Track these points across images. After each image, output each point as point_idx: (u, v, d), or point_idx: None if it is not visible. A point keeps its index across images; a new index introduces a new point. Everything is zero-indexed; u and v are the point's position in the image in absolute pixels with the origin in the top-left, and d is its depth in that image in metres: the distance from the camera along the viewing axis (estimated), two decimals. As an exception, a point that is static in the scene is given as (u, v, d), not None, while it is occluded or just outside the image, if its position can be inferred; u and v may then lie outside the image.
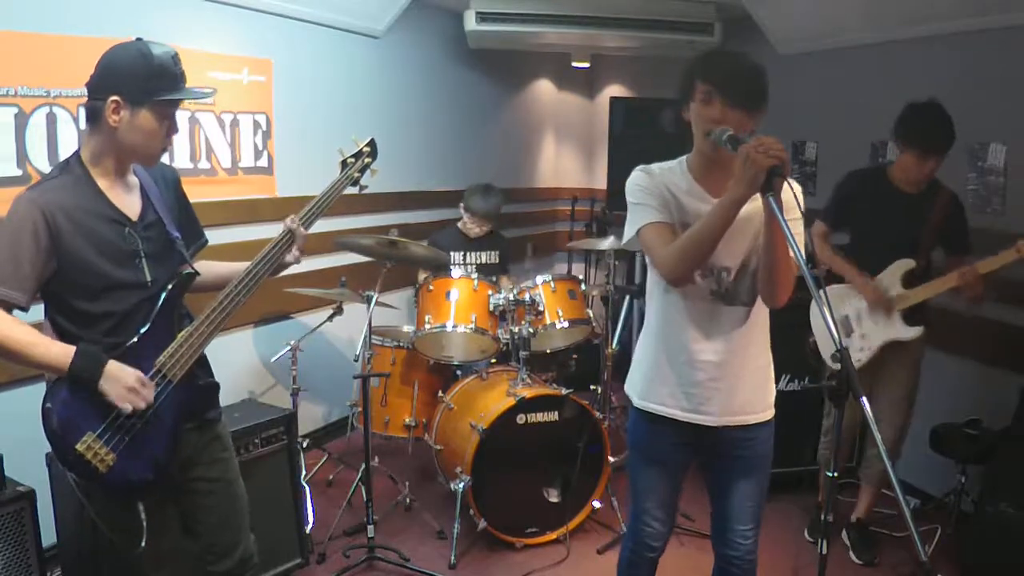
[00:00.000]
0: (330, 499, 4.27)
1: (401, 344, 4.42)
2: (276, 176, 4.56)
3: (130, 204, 2.23)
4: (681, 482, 2.57)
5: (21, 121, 3.21)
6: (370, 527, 3.61)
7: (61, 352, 2.05)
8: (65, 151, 3.35)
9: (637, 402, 2.50)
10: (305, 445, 4.11)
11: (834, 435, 2.01)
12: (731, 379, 2.37)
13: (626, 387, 2.58)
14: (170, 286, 2.22)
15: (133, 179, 2.27)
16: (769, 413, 2.47)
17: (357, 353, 3.56)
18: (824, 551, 1.98)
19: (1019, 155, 3.86)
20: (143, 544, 2.22)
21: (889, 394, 3.55)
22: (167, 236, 2.28)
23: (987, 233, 3.70)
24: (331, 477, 4.53)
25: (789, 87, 5.32)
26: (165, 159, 2.34)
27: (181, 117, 2.35)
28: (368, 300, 3.74)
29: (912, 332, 3.44)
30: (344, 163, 2.73)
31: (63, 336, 2.13)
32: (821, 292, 1.88)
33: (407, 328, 4.70)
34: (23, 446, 2.90)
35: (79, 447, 2.06)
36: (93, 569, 2.79)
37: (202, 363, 2.37)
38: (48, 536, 2.87)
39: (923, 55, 4.32)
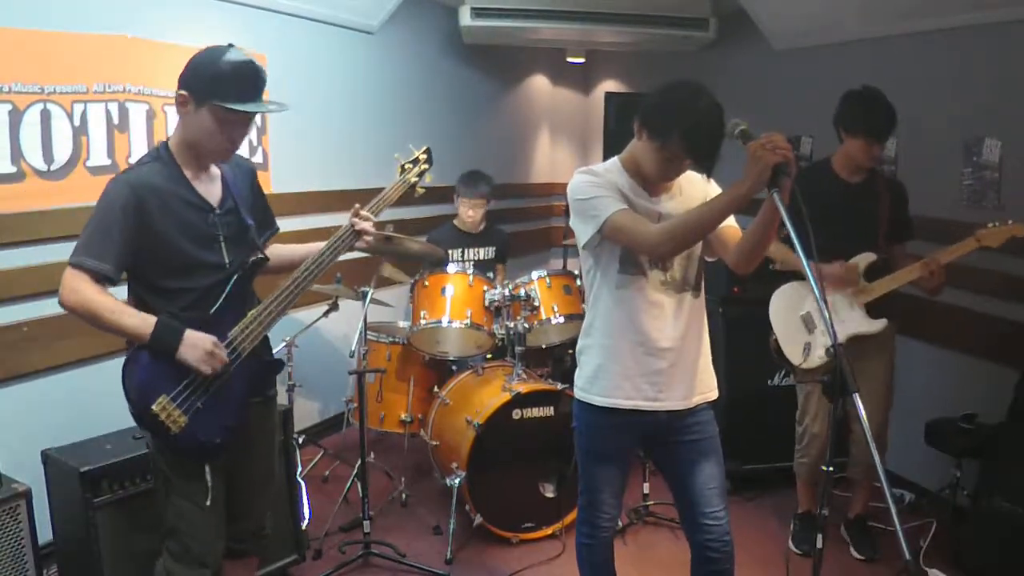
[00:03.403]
0: (326, 495, 4.28)
1: (396, 340, 4.42)
2: (271, 172, 4.55)
3: (212, 192, 2.41)
4: (629, 468, 2.70)
5: (15, 118, 3.20)
6: (366, 523, 3.61)
7: (142, 322, 2.23)
8: (59, 148, 3.35)
9: (595, 400, 2.54)
10: (301, 441, 4.11)
11: (829, 428, 2.01)
12: (689, 362, 2.51)
13: (577, 389, 2.61)
14: (243, 268, 2.39)
15: (215, 170, 2.44)
16: (716, 392, 2.62)
17: (352, 349, 3.56)
18: (820, 545, 1.99)
19: (1014, 150, 3.87)
20: (208, 502, 2.36)
21: (866, 391, 3.51)
22: (243, 222, 2.45)
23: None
24: (327, 473, 4.54)
25: (784, 82, 5.34)
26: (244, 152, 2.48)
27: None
28: (363, 296, 3.74)
29: (876, 325, 3.43)
30: (402, 168, 2.93)
31: (144, 310, 2.28)
32: (817, 289, 1.89)
33: (403, 324, 4.70)
34: (19, 444, 2.91)
35: (155, 407, 2.23)
36: (89, 566, 2.79)
37: (265, 342, 2.52)
38: (44, 534, 2.86)
39: (919, 50, 4.33)
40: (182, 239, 2.29)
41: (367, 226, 2.63)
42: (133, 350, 2.27)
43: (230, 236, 2.40)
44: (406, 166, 2.94)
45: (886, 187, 3.53)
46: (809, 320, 3.55)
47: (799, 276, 3.56)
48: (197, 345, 2.24)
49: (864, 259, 3.45)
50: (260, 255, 2.49)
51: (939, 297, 3.43)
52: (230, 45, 2.28)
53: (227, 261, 2.38)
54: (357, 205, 2.67)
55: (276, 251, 2.70)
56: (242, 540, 2.62)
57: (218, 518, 2.43)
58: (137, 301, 2.32)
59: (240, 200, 2.47)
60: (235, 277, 2.37)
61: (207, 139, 2.30)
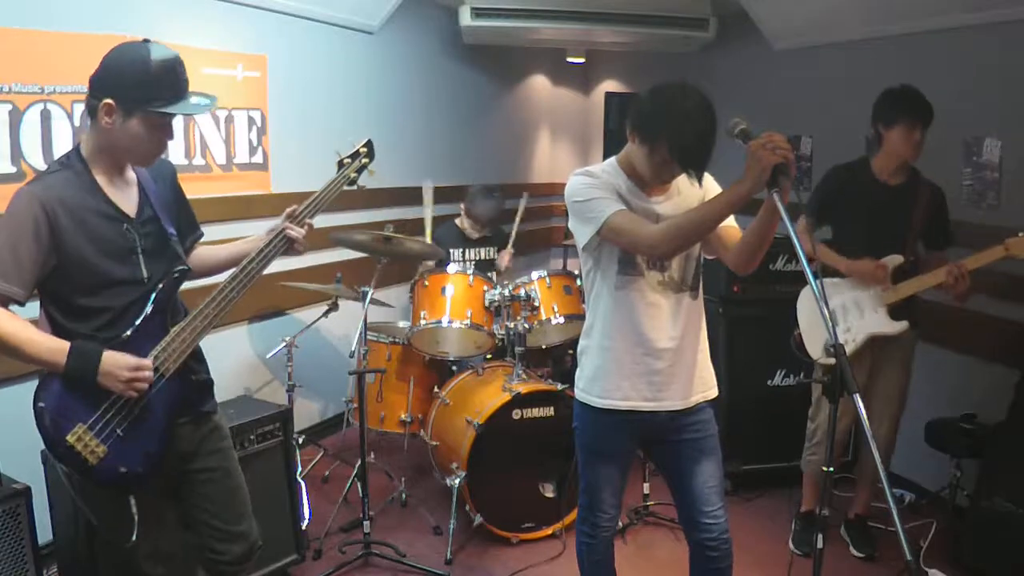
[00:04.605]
0: (326, 495, 4.27)
1: (397, 340, 4.42)
2: (271, 172, 4.55)
3: (128, 200, 2.24)
4: (629, 468, 2.70)
5: (15, 118, 3.20)
6: (366, 523, 3.61)
7: (56, 349, 2.07)
8: (60, 148, 3.34)
9: (595, 400, 2.54)
10: (301, 441, 4.11)
11: (829, 429, 2.01)
12: (687, 362, 2.51)
13: (578, 389, 2.62)
14: (163, 283, 2.23)
15: (131, 175, 2.28)
16: (716, 390, 2.63)
17: (353, 349, 3.56)
18: (820, 545, 1.99)
19: (1014, 150, 3.87)
20: (134, 538, 2.22)
21: (881, 391, 3.55)
22: (163, 233, 2.29)
23: (982, 228, 3.70)
24: (327, 473, 4.53)
25: (784, 82, 5.34)
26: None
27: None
28: (363, 296, 3.73)
29: (897, 327, 3.44)
30: (340, 163, 2.74)
31: (57, 329, 2.14)
32: (818, 284, 1.90)
33: (403, 324, 4.70)
34: (19, 443, 2.89)
35: (70, 438, 2.08)
36: (89, 567, 2.79)
37: (198, 358, 2.38)
38: (44, 534, 2.86)
39: (918, 50, 4.32)
40: (95, 254, 2.12)
41: (297, 235, 2.43)
42: (43, 377, 2.12)
43: (148, 248, 2.23)
44: (344, 161, 2.75)
45: (926, 191, 3.49)
46: (832, 316, 3.54)
47: (826, 274, 3.56)
48: (116, 371, 2.08)
49: (891, 261, 3.45)
50: (182, 267, 2.30)
51: (937, 297, 3.43)
52: (146, 41, 2.10)
53: (145, 276, 2.20)
54: (293, 207, 2.48)
55: (200, 255, 2.54)
56: (240, 562, 2.48)
57: (151, 548, 2.30)
58: (50, 320, 2.16)
59: (160, 207, 2.30)
60: (155, 293, 2.20)
61: (137, 146, 2.15)
